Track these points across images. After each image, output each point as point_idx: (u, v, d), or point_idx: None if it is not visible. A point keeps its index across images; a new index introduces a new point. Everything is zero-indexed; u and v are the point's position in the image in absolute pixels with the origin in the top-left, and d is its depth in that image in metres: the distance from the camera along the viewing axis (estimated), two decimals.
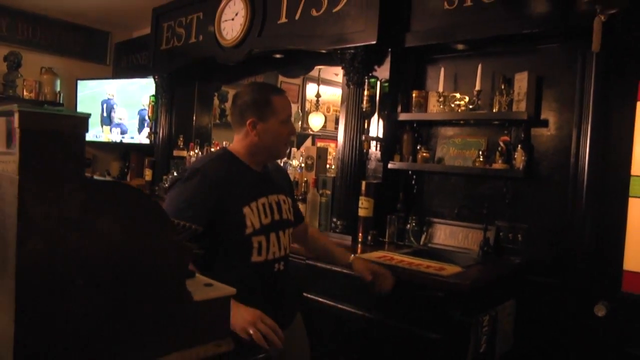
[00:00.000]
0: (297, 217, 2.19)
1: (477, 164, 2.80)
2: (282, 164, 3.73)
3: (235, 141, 1.92)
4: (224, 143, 4.35)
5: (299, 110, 6.68)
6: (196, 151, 4.37)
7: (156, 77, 4.81)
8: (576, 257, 2.50)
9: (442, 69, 2.95)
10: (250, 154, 1.87)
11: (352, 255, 2.25)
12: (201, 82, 4.96)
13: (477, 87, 2.78)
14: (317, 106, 6.36)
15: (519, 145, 2.69)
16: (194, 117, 4.95)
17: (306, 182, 3.40)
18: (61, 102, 5.61)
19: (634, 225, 2.41)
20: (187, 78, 4.80)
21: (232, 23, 3.94)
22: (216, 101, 5.52)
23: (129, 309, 0.90)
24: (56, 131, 0.77)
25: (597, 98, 2.49)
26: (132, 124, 5.45)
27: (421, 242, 2.95)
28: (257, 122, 1.83)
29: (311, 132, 6.65)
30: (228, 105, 5.65)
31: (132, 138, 5.43)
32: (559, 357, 2.55)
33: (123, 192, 0.89)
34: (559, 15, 2.50)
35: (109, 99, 5.55)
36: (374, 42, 2.96)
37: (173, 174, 4.44)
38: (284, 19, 3.57)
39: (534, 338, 2.62)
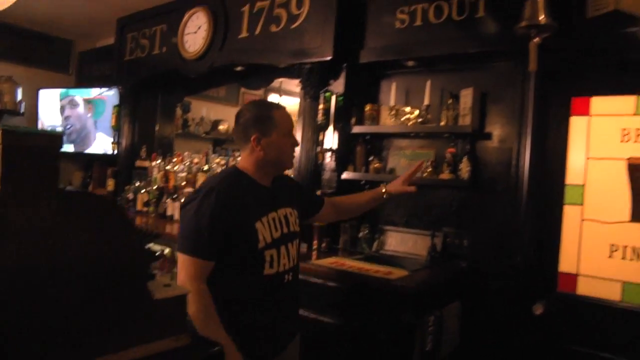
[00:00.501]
0: (318, 203, 2.32)
1: (425, 175, 2.97)
2: None
3: (242, 158, 1.98)
4: (186, 153, 4.43)
5: None
6: (158, 162, 4.43)
7: (120, 87, 4.84)
8: (517, 260, 2.69)
9: (394, 84, 3.12)
10: (258, 169, 1.93)
11: (383, 188, 2.40)
12: (164, 93, 4.99)
13: (426, 102, 2.96)
14: None
15: (465, 157, 2.87)
16: (157, 128, 4.98)
17: None
18: (22, 112, 5.53)
19: (568, 230, 2.63)
20: (150, 89, 4.85)
21: (194, 36, 4.02)
22: (179, 112, 5.55)
23: (96, 306, 1.00)
24: (34, 147, 0.89)
25: (536, 113, 2.69)
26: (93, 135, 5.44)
27: (373, 249, 3.09)
28: (261, 137, 1.88)
29: None
30: (190, 115, 5.72)
31: (94, 148, 5.41)
32: (501, 353, 2.71)
33: (92, 202, 1.01)
34: (501, 37, 2.68)
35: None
36: (330, 58, 3.10)
37: (135, 184, 4.49)
38: (244, 34, 3.67)
39: (479, 336, 2.78)
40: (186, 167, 4.27)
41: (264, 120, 1.90)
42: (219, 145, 6.03)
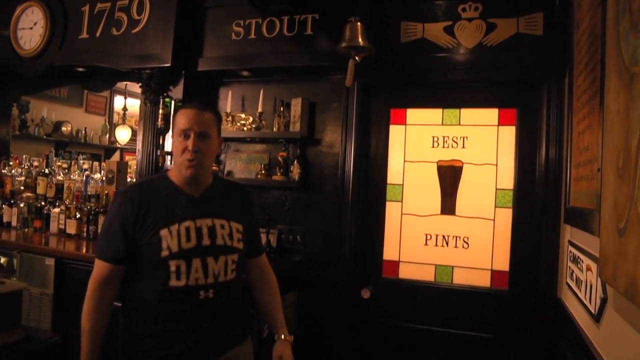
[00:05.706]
0: (253, 248, 2.03)
1: (260, 177, 3.21)
2: (85, 178, 3.78)
3: None
4: (24, 156, 4.22)
5: (107, 123, 6.55)
6: None
7: None
8: (345, 251, 3.03)
9: (230, 92, 3.30)
10: (178, 173, 1.82)
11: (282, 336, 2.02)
12: None
13: (260, 110, 3.19)
14: (124, 119, 6.31)
15: (295, 160, 3.15)
16: None
17: (107, 195, 3.49)
18: None
19: (390, 223, 3.03)
20: None
21: (30, 32, 3.82)
22: (15, 111, 5.23)
23: None
24: None
25: (358, 122, 3.04)
26: None
27: None
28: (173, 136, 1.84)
29: (119, 146, 6.52)
30: (30, 116, 5.41)
31: None
32: (335, 335, 3.02)
33: None
34: (327, 53, 2.95)
35: None
36: (169, 65, 3.18)
37: None
38: (85, 35, 3.59)
39: (315, 321, 3.06)
40: (25, 171, 4.07)
41: (174, 118, 1.85)
42: (62, 147, 5.79)
